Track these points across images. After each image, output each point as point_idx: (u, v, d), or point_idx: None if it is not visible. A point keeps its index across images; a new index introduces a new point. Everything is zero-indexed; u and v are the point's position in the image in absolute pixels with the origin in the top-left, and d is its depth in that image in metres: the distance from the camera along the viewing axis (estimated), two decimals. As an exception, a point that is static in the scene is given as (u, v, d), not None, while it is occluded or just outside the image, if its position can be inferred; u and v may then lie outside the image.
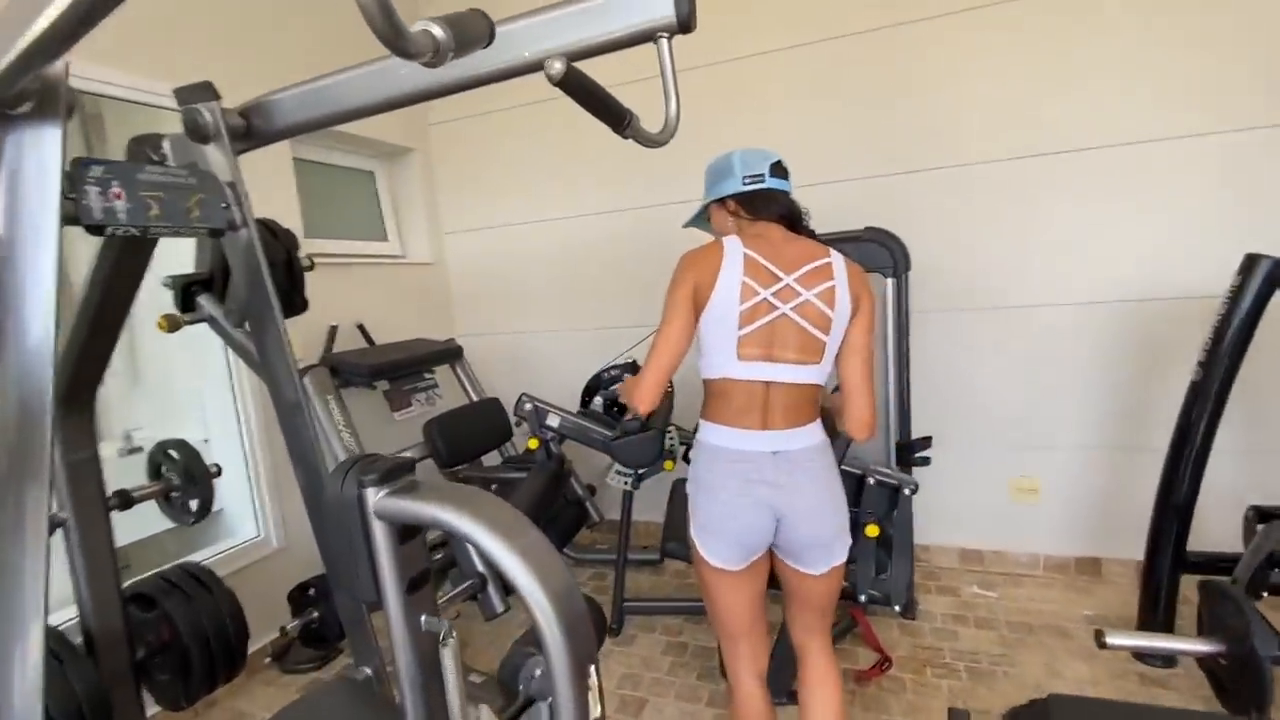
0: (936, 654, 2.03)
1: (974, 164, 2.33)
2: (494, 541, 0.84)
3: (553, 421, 2.06)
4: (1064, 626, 2.13)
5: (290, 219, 2.36)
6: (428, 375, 2.54)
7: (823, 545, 1.25)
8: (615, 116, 0.90)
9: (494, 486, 2.50)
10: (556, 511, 2.27)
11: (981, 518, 2.50)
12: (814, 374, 1.25)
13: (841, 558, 1.28)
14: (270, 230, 1.60)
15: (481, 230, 3.09)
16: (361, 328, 2.60)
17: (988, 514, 2.50)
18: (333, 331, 2.46)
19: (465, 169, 3.06)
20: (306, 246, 2.64)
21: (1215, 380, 1.74)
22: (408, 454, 2.15)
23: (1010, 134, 2.27)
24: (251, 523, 2.27)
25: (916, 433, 2.20)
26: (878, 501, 1.59)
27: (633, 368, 2.28)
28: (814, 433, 1.28)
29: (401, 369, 2.33)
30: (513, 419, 2.13)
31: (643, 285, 2.82)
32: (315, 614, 1.94)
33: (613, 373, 2.35)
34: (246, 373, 2.18)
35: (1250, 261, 1.68)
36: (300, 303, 1.66)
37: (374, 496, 0.93)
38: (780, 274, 1.24)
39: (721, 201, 1.35)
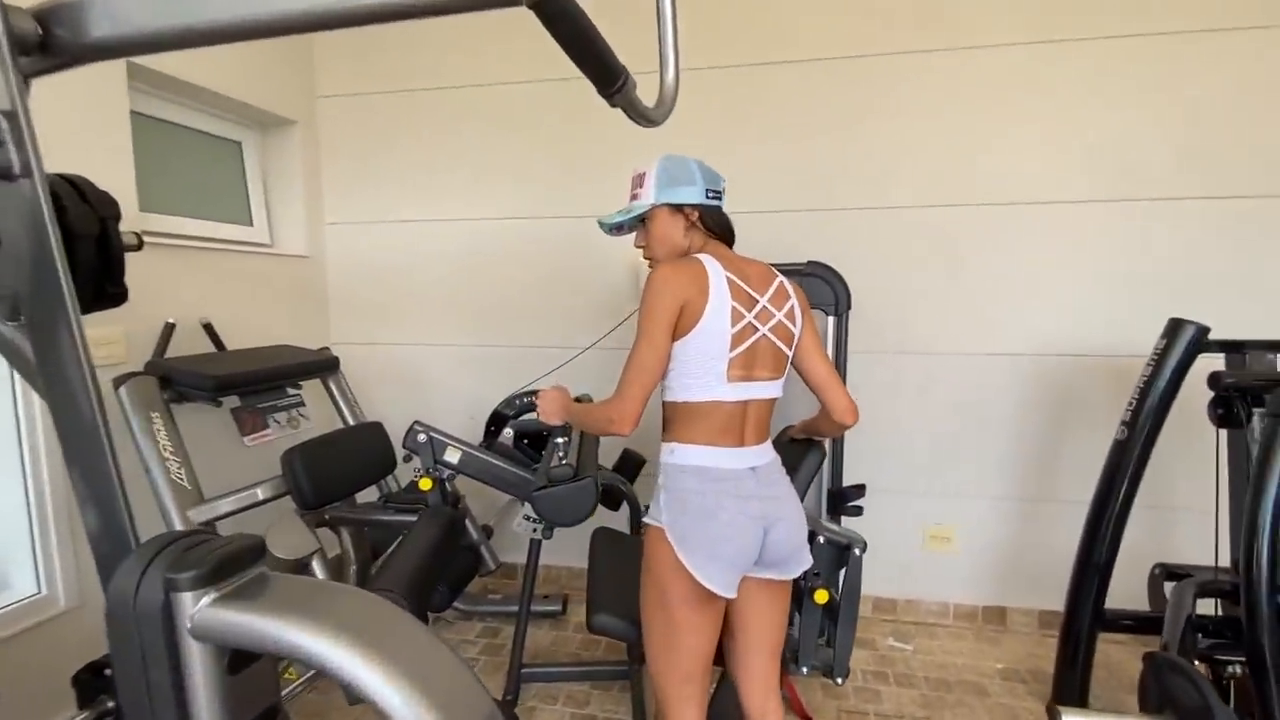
0: (862, 717, 1.90)
1: (907, 207, 2.30)
2: (395, 690, 0.54)
3: (451, 457, 1.72)
4: (980, 683, 2.08)
5: (119, 185, 1.86)
6: (292, 391, 2.09)
7: (798, 547, 1.27)
8: (607, 72, 0.66)
9: (368, 530, 2.10)
10: (454, 550, 1.91)
11: (896, 566, 2.44)
12: (780, 388, 1.29)
13: (809, 561, 1.30)
14: (77, 191, 1.16)
15: (372, 224, 2.67)
16: (209, 327, 2.10)
17: (903, 562, 2.44)
18: (168, 330, 1.96)
19: (358, 152, 2.64)
20: (141, 222, 2.12)
21: (1139, 440, 1.75)
22: (259, 491, 1.72)
23: (944, 181, 2.26)
24: (30, 574, 1.71)
25: (845, 479, 2.09)
26: (825, 562, 1.42)
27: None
28: (771, 447, 1.31)
29: (257, 382, 1.89)
30: (400, 451, 1.76)
31: (562, 301, 2.55)
32: (110, 704, 1.45)
33: (526, 399, 2.04)
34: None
35: (1174, 326, 1.72)
36: (117, 292, 1.23)
37: (192, 606, 0.59)
38: (756, 296, 1.23)
39: (677, 208, 1.24)
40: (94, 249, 1.17)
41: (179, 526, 1.61)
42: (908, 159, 2.27)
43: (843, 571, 1.46)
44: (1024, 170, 2.20)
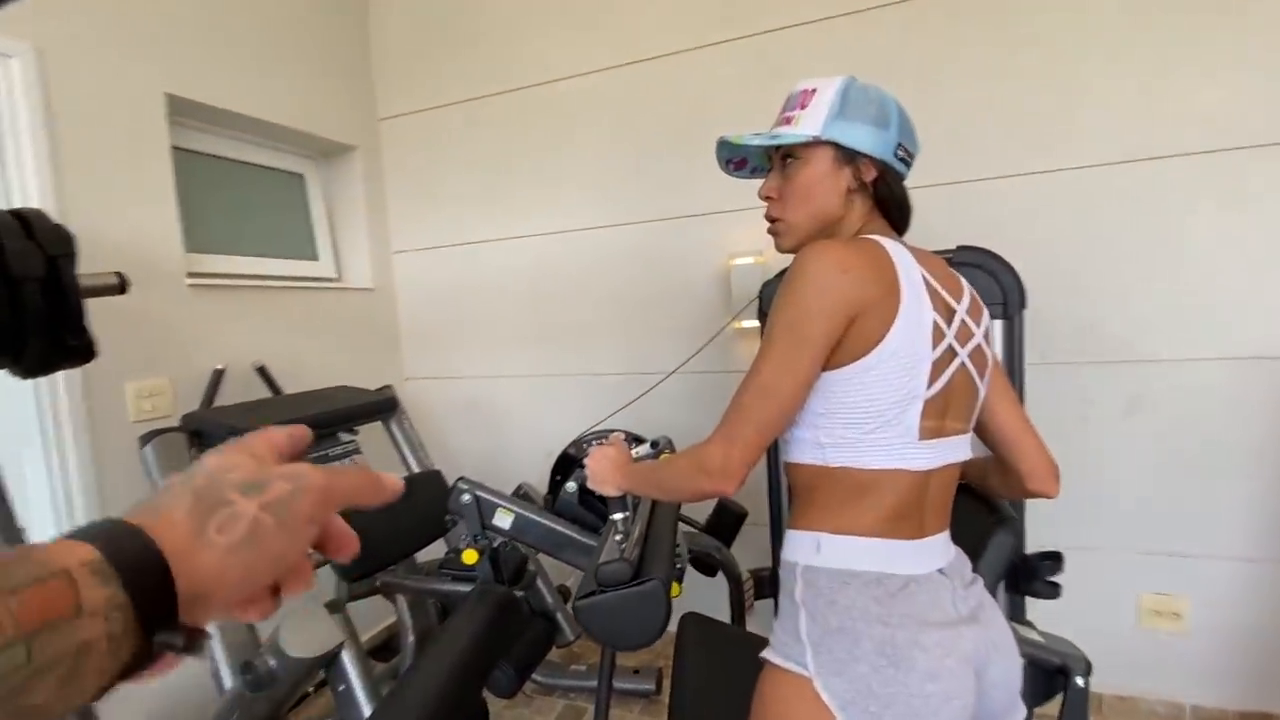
0: None
1: (1088, 167, 1.72)
2: None
3: (502, 521, 1.41)
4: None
5: (161, 225, 1.74)
6: (346, 438, 1.88)
7: (1015, 695, 0.85)
8: None
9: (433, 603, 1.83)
10: (513, 638, 1.59)
11: (1099, 650, 1.81)
12: (969, 445, 0.87)
13: (1024, 712, 0.87)
14: (24, 225, 0.97)
15: (438, 249, 2.47)
16: (263, 371, 1.95)
17: (1107, 644, 1.81)
18: (216, 377, 1.82)
19: (421, 174, 2.46)
20: (189, 263, 2.02)
21: None
22: (293, 560, 1.48)
23: (1139, 127, 1.66)
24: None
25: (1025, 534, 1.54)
26: (1029, 690, 0.93)
27: (631, 439, 1.63)
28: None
29: (300, 432, 1.68)
30: (447, 517, 1.47)
31: (639, 320, 2.19)
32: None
33: (598, 441, 1.69)
34: (73, 438, 1.53)
35: None
36: (79, 344, 1.02)
37: None
38: (953, 304, 0.83)
39: (849, 156, 0.83)
40: (39, 294, 0.96)
41: (204, 605, 1.40)
42: (1087, 100, 1.70)
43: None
44: (1261, 100, 1.57)
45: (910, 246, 0.82)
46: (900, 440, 0.76)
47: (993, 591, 0.87)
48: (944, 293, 0.80)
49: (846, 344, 0.74)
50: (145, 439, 1.48)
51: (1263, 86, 1.56)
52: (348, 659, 1.31)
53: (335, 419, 1.80)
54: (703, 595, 1.75)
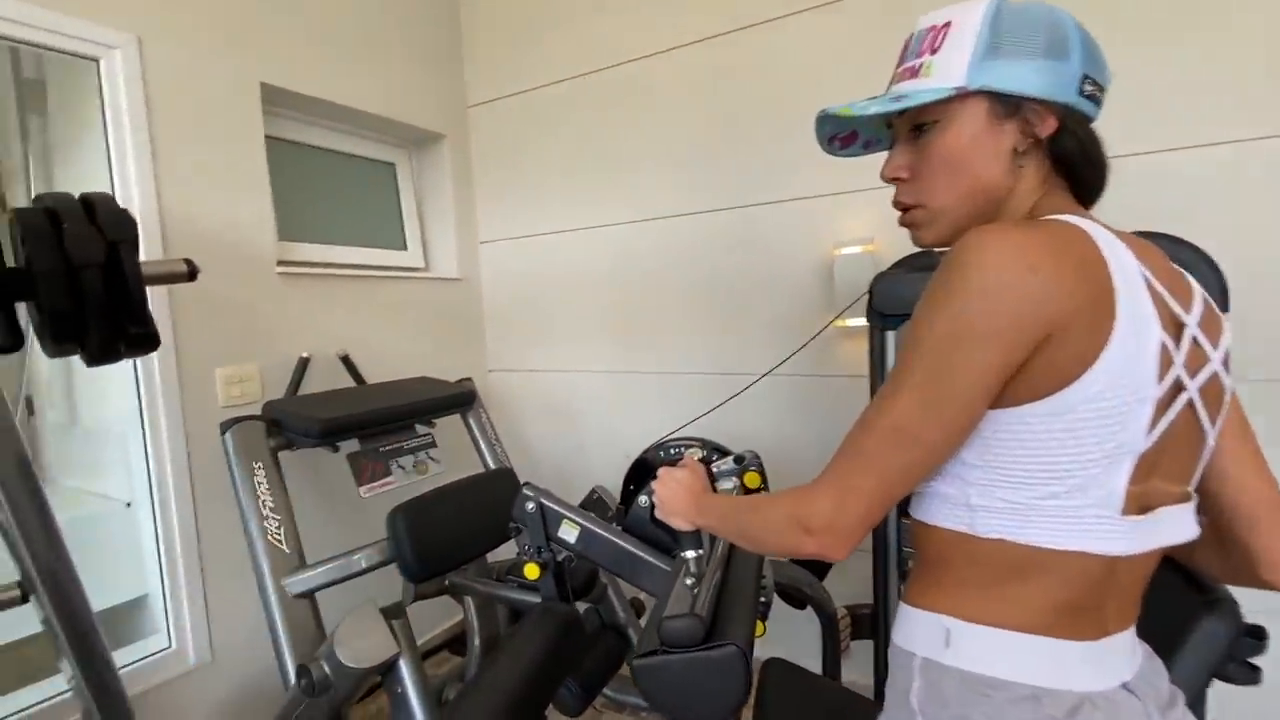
0: None
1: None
2: None
3: (568, 534, 1.29)
4: None
5: (256, 214, 1.76)
6: (422, 430, 1.85)
7: None
8: None
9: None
10: (578, 656, 1.48)
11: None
12: (1193, 520, 0.61)
13: None
14: (88, 210, 0.94)
15: (523, 239, 2.40)
16: (347, 360, 1.95)
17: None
18: (302, 365, 1.83)
19: (507, 162, 2.40)
20: (281, 251, 2.05)
21: None
22: (361, 558, 1.45)
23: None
24: (160, 626, 1.63)
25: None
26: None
27: (713, 451, 1.46)
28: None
29: (377, 422, 1.65)
30: (510, 525, 1.38)
31: (729, 316, 2.01)
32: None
33: (678, 448, 1.54)
34: (165, 409, 1.56)
35: None
36: (143, 333, 0.99)
37: None
38: (1182, 314, 0.59)
39: (1013, 104, 0.60)
40: (100, 280, 0.93)
41: (273, 596, 1.39)
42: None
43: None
44: None
45: (1115, 230, 0.59)
46: (1094, 512, 0.55)
47: (1196, 705, 0.64)
48: (1171, 300, 0.57)
49: (1031, 374, 0.53)
50: (225, 426, 1.49)
51: None
52: (405, 668, 1.25)
53: (413, 411, 1.76)
54: (790, 632, 1.56)
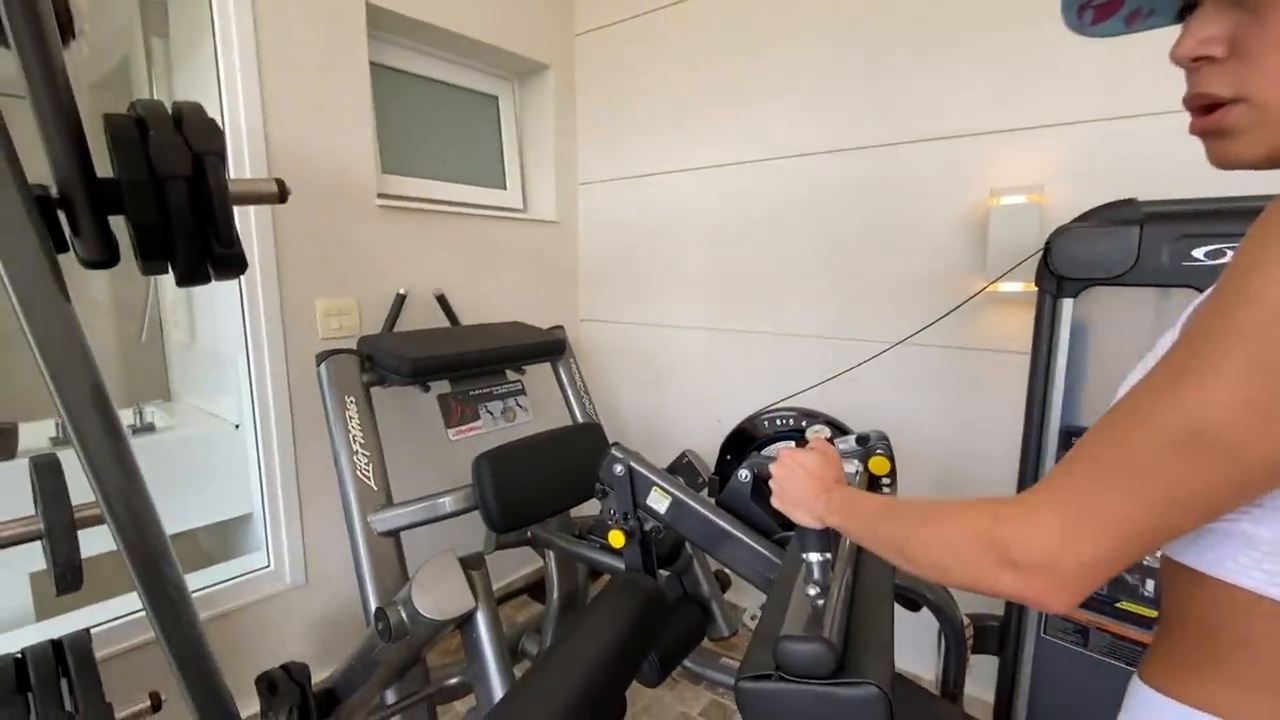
0: None
1: None
2: None
3: (657, 503, 1.17)
4: None
5: (358, 143, 1.72)
6: (513, 377, 1.78)
7: None
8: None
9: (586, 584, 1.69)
10: (659, 631, 1.39)
11: None
12: None
13: None
14: (176, 120, 0.89)
15: (624, 180, 2.25)
16: (442, 299, 1.91)
17: None
18: (399, 302, 1.80)
19: (614, 96, 2.23)
20: (382, 184, 2.01)
21: None
22: (447, 501, 1.41)
23: None
24: (260, 546, 1.70)
25: None
26: None
27: (829, 427, 1.28)
28: None
29: (467, 365, 1.59)
30: (597, 486, 1.27)
31: (853, 272, 1.78)
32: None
33: (785, 420, 1.38)
34: (269, 337, 1.58)
35: None
36: (229, 254, 0.94)
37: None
38: None
39: None
40: (186, 194, 0.88)
41: (359, 531, 1.38)
42: None
43: None
44: None
45: None
46: None
47: None
48: None
49: None
50: (321, 358, 1.48)
51: None
52: (481, 622, 1.20)
53: (504, 356, 1.69)
54: (902, 637, 1.39)
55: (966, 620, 1.26)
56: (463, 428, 1.63)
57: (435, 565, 1.14)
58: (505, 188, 2.30)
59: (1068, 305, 1.06)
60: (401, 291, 1.81)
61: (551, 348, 1.82)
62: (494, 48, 2.05)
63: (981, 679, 1.52)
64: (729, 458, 1.44)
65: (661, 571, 1.68)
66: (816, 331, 1.85)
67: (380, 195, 1.79)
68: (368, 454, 1.42)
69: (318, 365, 1.47)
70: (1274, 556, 0.40)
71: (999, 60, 1.46)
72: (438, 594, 1.10)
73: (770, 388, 1.86)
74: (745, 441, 1.44)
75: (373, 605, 1.35)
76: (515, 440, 1.51)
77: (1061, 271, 1.03)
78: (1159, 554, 0.48)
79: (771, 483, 0.71)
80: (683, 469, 1.84)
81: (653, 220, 2.19)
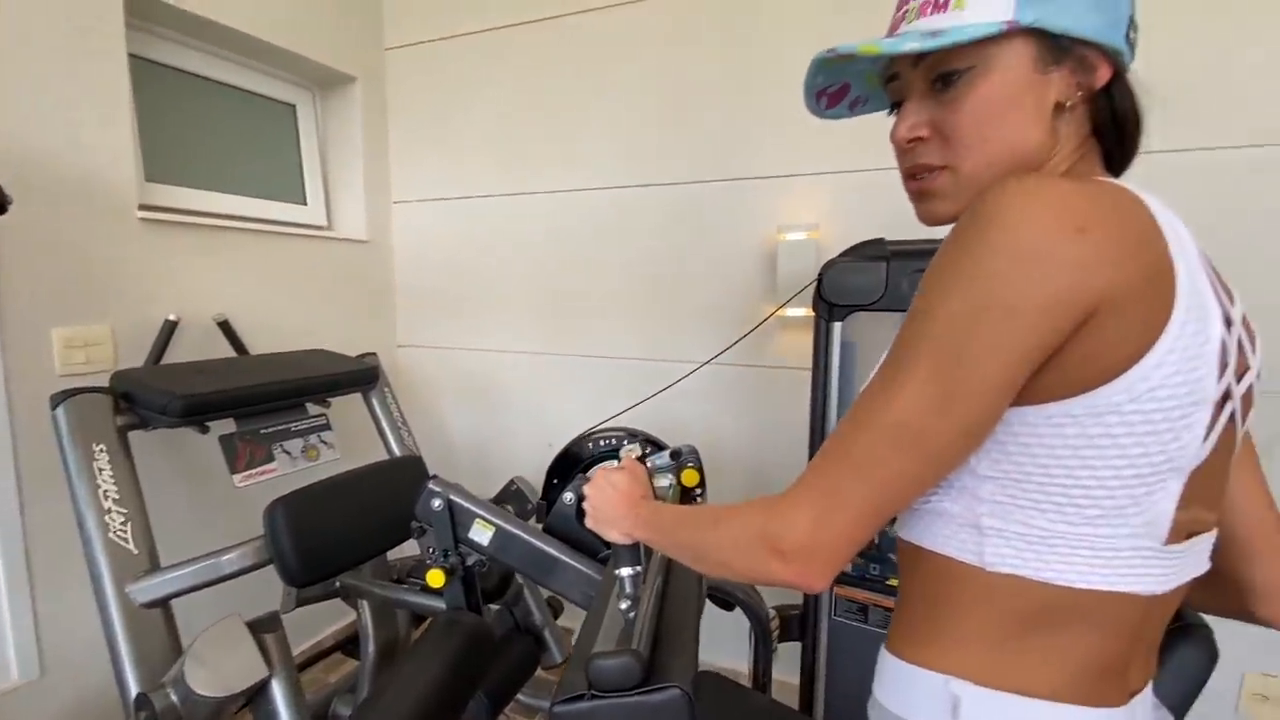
0: None
1: (1220, 148, 1.38)
2: None
3: (479, 536, 1.13)
4: None
5: (113, 145, 1.47)
6: (314, 411, 1.62)
7: None
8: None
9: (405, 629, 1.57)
10: (487, 668, 1.33)
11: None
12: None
13: None
14: None
15: (444, 201, 2.18)
16: (225, 326, 1.69)
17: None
18: (168, 329, 1.55)
19: (430, 115, 2.16)
20: (147, 194, 1.75)
21: None
22: (228, 559, 1.23)
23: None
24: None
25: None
26: None
27: (646, 444, 1.34)
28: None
29: (255, 401, 1.41)
30: (413, 524, 1.19)
31: (667, 298, 1.89)
32: None
33: (609, 440, 1.42)
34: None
35: None
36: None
37: None
38: (1230, 309, 0.50)
39: (1060, 48, 0.50)
40: None
41: (114, 604, 1.15)
42: (1249, 67, 1.36)
43: None
44: None
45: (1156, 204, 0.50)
46: (1133, 543, 0.46)
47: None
48: (1220, 290, 0.50)
49: (1066, 363, 0.44)
50: (57, 400, 1.22)
51: None
52: (278, 691, 1.06)
53: (300, 389, 1.53)
54: (715, 636, 1.48)
55: (773, 613, 1.38)
56: (252, 472, 1.44)
57: (215, 634, 0.99)
58: (306, 203, 2.11)
59: (838, 327, 1.22)
60: (172, 318, 1.56)
61: (360, 377, 1.69)
62: (289, 53, 1.88)
63: (790, 665, 1.66)
64: (555, 481, 1.44)
65: (492, 605, 1.62)
66: (636, 354, 1.93)
67: (144, 207, 1.54)
68: (124, 511, 1.20)
69: (53, 408, 1.21)
70: (965, 528, 0.49)
71: (783, 115, 1.66)
72: (218, 666, 0.95)
73: (598, 408, 1.89)
74: (571, 464, 1.45)
75: (133, 692, 1.13)
76: (319, 481, 1.36)
77: (830, 299, 1.20)
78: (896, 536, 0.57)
79: (585, 504, 0.72)
80: (511, 496, 1.80)
81: (475, 243, 2.15)
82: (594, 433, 1.44)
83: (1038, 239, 0.42)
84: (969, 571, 0.49)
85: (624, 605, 0.66)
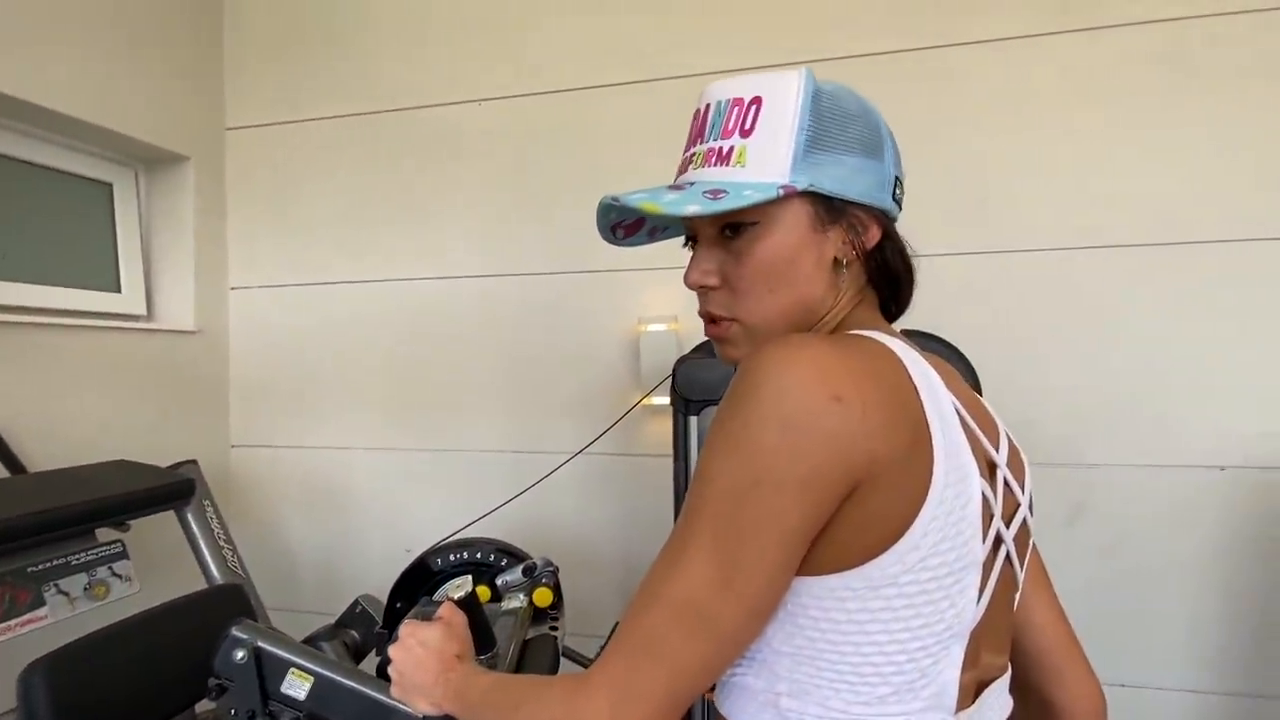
0: None
1: (1026, 251, 1.59)
2: None
3: (295, 690, 0.96)
4: None
5: None
6: (112, 536, 1.37)
7: None
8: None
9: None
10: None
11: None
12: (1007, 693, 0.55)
13: None
14: None
15: (287, 287, 2.02)
16: (-7, 440, 1.41)
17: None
18: (-95, 449, 1.27)
19: (274, 199, 2.03)
20: None
21: None
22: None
23: (1083, 211, 1.55)
24: None
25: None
26: None
27: (502, 555, 1.23)
28: None
29: (14, 536, 1.16)
30: (211, 682, 1.00)
31: (532, 390, 1.83)
32: None
33: (460, 555, 1.29)
34: None
35: None
36: None
37: None
38: (992, 452, 0.52)
39: (834, 209, 0.53)
40: None
41: None
42: (1016, 181, 1.58)
43: None
44: (1203, 190, 1.49)
45: (917, 347, 0.53)
46: (926, 717, 0.45)
47: None
48: (981, 435, 0.51)
49: (837, 536, 0.43)
50: None
51: (1220, 179, 1.48)
52: None
53: (89, 513, 1.29)
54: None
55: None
56: (10, 623, 1.17)
57: None
58: (119, 290, 1.87)
59: (694, 420, 1.22)
60: (-86, 434, 1.28)
61: (170, 491, 1.46)
62: (108, 130, 1.70)
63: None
64: (399, 605, 1.29)
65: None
66: (503, 446, 1.84)
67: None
68: None
69: None
70: (766, 707, 0.46)
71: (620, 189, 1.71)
72: None
73: (463, 507, 1.76)
74: (418, 582, 1.31)
75: None
76: (99, 630, 1.13)
77: (685, 394, 1.21)
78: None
79: (390, 668, 0.63)
80: (356, 619, 1.59)
81: (324, 332, 1.99)
82: (441, 546, 1.32)
83: (797, 411, 0.42)
84: None
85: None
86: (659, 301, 1.69)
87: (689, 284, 0.57)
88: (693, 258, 0.57)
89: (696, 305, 0.66)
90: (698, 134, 0.56)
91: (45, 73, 1.55)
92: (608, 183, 1.76)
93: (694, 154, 0.55)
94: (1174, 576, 1.53)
